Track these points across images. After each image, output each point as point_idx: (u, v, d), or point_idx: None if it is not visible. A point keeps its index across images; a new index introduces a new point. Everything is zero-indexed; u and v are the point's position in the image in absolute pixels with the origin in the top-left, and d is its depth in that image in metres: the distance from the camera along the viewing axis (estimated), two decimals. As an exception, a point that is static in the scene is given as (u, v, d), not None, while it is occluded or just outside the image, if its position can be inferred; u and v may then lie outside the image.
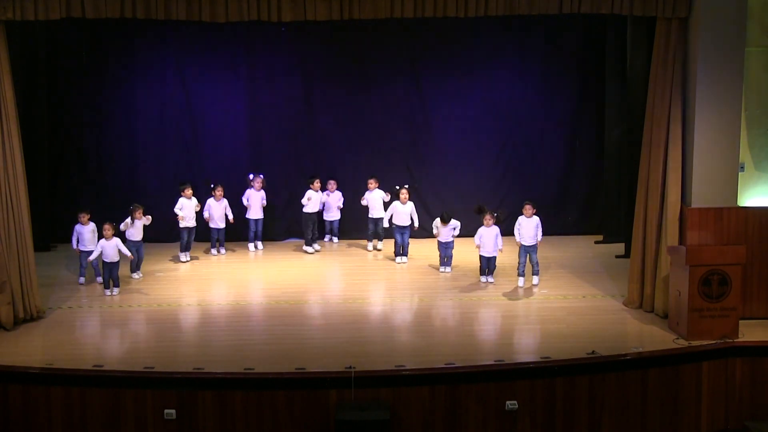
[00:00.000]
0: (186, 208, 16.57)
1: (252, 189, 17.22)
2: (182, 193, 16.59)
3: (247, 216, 17.30)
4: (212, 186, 16.91)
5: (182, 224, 16.59)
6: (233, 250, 17.30)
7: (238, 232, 17.49)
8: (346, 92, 17.82)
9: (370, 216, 17.36)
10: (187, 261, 16.73)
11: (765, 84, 13.81)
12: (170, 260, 16.90)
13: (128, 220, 15.68)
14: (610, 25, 16.83)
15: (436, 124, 17.99)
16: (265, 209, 17.35)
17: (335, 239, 17.87)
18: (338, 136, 17.94)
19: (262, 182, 17.25)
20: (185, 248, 16.74)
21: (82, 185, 17.73)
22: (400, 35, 17.41)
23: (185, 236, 16.68)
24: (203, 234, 17.08)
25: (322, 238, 17.83)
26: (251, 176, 17.25)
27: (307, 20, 13.59)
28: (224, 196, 16.98)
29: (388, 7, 13.46)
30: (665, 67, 13.78)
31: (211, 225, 16.93)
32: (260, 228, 17.42)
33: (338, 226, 17.79)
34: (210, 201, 16.85)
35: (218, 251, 17.14)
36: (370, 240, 17.54)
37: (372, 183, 17.23)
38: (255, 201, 17.24)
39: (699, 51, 13.39)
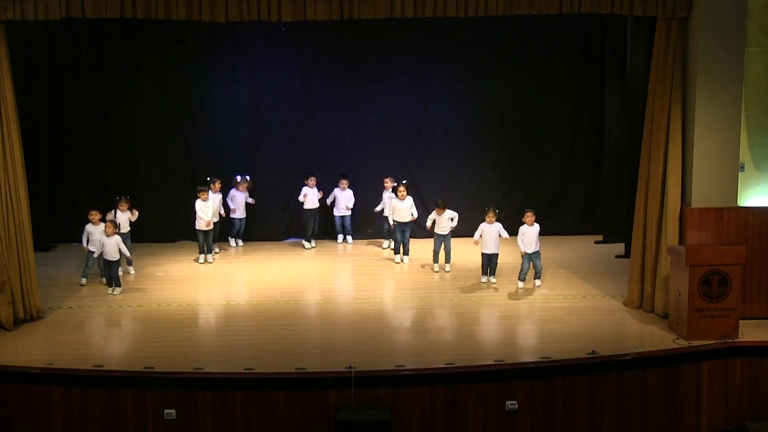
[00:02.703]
0: (201, 211, 16.50)
1: (236, 190, 17.25)
2: (198, 195, 16.54)
3: (231, 216, 17.35)
4: (208, 179, 16.88)
5: (197, 226, 16.56)
6: (225, 250, 17.37)
7: (251, 231, 17.71)
8: (346, 92, 17.84)
9: (384, 214, 17.35)
10: (205, 263, 16.70)
11: (765, 84, 13.81)
12: (170, 260, 16.91)
13: (113, 212, 15.74)
14: (610, 25, 16.83)
15: (436, 124, 18.00)
16: (247, 209, 17.42)
17: (349, 238, 17.86)
18: (338, 136, 17.96)
19: (249, 184, 17.28)
20: (202, 250, 16.71)
21: (82, 185, 17.74)
22: (400, 35, 17.42)
23: (201, 238, 16.64)
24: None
25: (335, 237, 17.82)
26: (238, 178, 17.26)
27: (307, 20, 13.60)
28: (221, 191, 16.99)
29: (388, 7, 13.46)
30: (665, 67, 13.78)
31: (197, 227, 16.78)
32: (243, 227, 17.55)
33: (350, 224, 17.77)
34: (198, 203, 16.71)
35: (206, 259, 16.85)
36: (386, 239, 17.55)
37: (388, 182, 17.21)
38: (239, 202, 17.30)
39: (699, 51, 13.39)
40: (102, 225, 15.38)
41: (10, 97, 13.64)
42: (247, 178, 17.32)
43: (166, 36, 17.29)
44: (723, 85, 13.47)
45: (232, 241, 17.63)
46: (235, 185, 17.29)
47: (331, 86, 17.80)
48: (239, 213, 17.38)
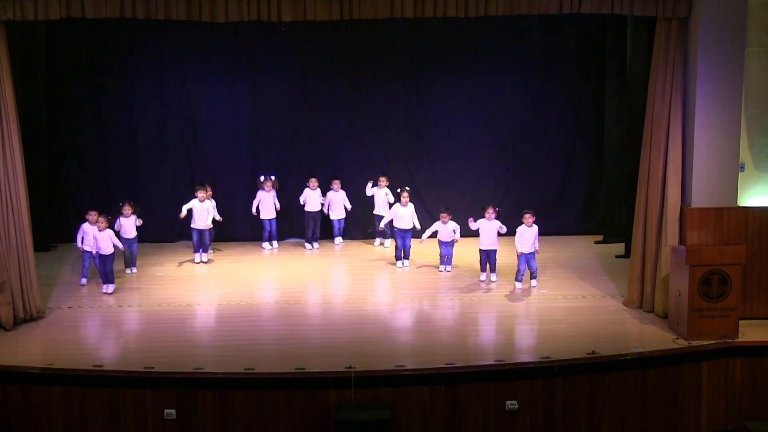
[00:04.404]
0: (194, 210, 16.42)
1: (263, 191, 17.22)
2: (196, 195, 16.48)
3: (260, 217, 17.33)
4: (199, 186, 16.83)
5: (192, 224, 16.52)
6: (220, 250, 17.32)
7: (251, 232, 17.68)
8: (346, 92, 17.84)
9: (374, 213, 17.38)
10: (200, 263, 16.68)
11: (765, 84, 13.81)
12: (170, 260, 16.91)
13: (120, 218, 15.80)
14: (610, 25, 16.83)
15: (436, 124, 18.00)
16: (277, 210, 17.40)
17: (340, 239, 17.85)
18: (338, 136, 17.96)
19: (274, 184, 17.25)
20: (197, 249, 16.67)
21: (82, 185, 17.74)
22: (400, 35, 17.42)
23: (195, 236, 16.58)
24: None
25: (331, 238, 17.82)
26: (262, 178, 17.24)
27: (307, 20, 13.60)
28: (213, 197, 16.84)
29: (388, 7, 13.46)
30: (665, 67, 13.78)
31: (192, 226, 16.74)
32: (274, 228, 17.48)
33: (344, 226, 17.77)
34: (193, 201, 16.64)
35: (201, 258, 16.84)
36: (380, 237, 17.56)
37: (382, 181, 17.23)
38: (267, 202, 17.24)
39: (699, 51, 13.39)
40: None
41: (10, 97, 13.63)
42: (272, 177, 17.28)
43: (166, 36, 17.27)
44: (723, 85, 13.47)
45: (266, 245, 17.50)
46: (260, 186, 17.25)
47: (331, 86, 17.79)
48: (268, 214, 17.29)
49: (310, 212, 17.39)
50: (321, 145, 18.00)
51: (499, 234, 15.52)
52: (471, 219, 15.64)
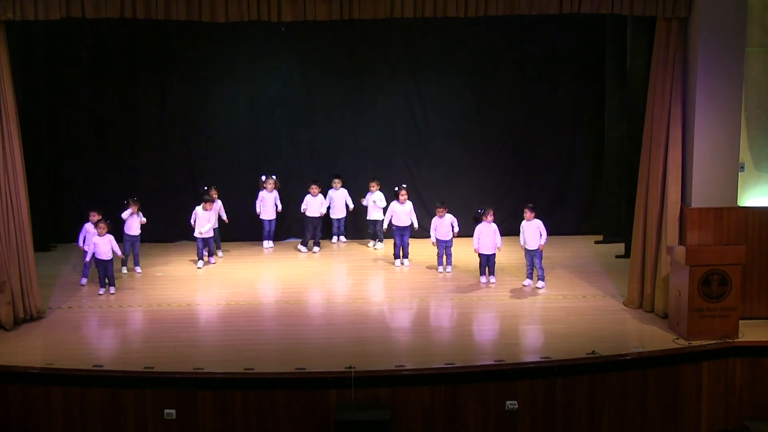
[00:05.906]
0: (199, 219, 16.39)
1: (264, 191, 17.21)
2: (203, 205, 16.39)
3: (260, 217, 17.33)
4: (205, 188, 16.79)
5: (195, 233, 16.47)
6: (227, 251, 17.27)
7: (251, 232, 17.65)
8: (345, 92, 17.83)
9: (368, 218, 17.41)
10: (208, 263, 16.65)
11: (765, 84, 13.81)
12: (171, 260, 16.90)
13: (128, 211, 15.85)
14: (610, 25, 16.83)
15: (436, 124, 17.99)
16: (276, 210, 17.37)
17: (342, 238, 17.84)
18: (338, 137, 17.94)
19: (275, 183, 17.24)
20: (201, 256, 16.56)
21: (82, 185, 17.73)
22: (400, 35, 17.41)
23: (200, 245, 16.48)
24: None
25: (330, 238, 17.81)
26: (263, 177, 17.23)
27: (307, 20, 13.60)
28: (218, 197, 16.80)
29: (388, 7, 13.46)
30: (665, 67, 13.78)
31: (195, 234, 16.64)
32: (273, 228, 17.49)
33: (344, 226, 17.74)
34: (197, 210, 16.54)
35: (206, 260, 16.70)
36: (372, 239, 17.60)
37: (374, 186, 17.24)
38: (268, 203, 17.23)
39: (699, 51, 13.40)
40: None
41: (10, 97, 13.64)
42: (274, 177, 17.27)
43: (166, 36, 17.27)
44: (723, 85, 13.47)
45: (265, 243, 17.52)
46: (261, 186, 17.24)
47: (330, 86, 17.78)
48: (268, 214, 17.30)
49: (311, 217, 17.35)
50: (320, 145, 17.97)
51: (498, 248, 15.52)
52: (475, 249, 15.55)
